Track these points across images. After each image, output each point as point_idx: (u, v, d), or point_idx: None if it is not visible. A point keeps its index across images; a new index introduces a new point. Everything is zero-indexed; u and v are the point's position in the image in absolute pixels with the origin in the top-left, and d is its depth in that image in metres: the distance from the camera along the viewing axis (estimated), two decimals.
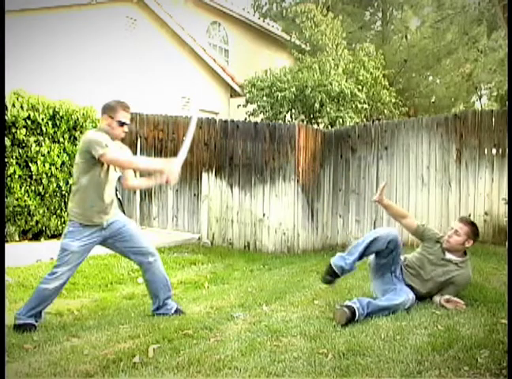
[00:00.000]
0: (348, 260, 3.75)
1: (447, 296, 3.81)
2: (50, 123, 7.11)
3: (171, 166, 3.67)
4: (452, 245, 3.95)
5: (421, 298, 3.90)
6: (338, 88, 10.91)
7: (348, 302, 3.54)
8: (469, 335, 3.11)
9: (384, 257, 3.85)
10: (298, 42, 14.30)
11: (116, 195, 3.86)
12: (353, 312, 3.44)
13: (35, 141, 6.94)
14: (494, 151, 7.35)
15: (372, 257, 3.95)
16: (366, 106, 11.63)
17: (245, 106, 11.70)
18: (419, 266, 3.96)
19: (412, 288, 3.86)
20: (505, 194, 7.05)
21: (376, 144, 8.12)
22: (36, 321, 3.60)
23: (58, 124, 7.21)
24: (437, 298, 3.88)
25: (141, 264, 3.86)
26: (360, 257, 3.78)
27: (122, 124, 3.69)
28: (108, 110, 3.71)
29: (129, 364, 2.79)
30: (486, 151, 7.41)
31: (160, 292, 3.88)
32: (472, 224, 4.03)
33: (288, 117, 11.53)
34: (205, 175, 8.22)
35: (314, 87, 10.97)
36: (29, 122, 6.88)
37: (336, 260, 3.78)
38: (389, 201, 4.31)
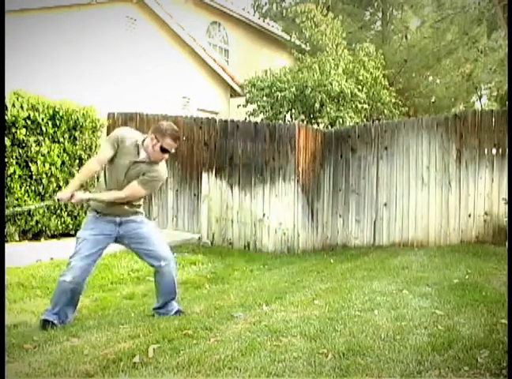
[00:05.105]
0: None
1: None
2: (50, 123, 7.10)
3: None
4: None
5: None
6: (338, 88, 10.89)
7: None
8: (469, 335, 3.11)
9: None
10: (298, 42, 14.29)
11: None
12: None
13: (35, 141, 6.93)
14: (494, 151, 7.36)
15: None
16: (366, 106, 11.62)
17: (245, 106, 11.68)
18: None
19: None
20: (505, 194, 7.06)
21: (376, 144, 8.12)
22: (60, 319, 3.61)
23: (58, 124, 7.21)
24: None
25: (152, 266, 3.91)
26: None
27: (164, 151, 3.71)
28: (158, 131, 3.70)
29: (129, 364, 2.79)
30: (486, 151, 7.42)
31: (164, 295, 3.92)
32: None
33: (288, 117, 11.51)
34: (205, 175, 8.22)
35: (314, 87, 10.96)
36: (29, 122, 6.87)
37: None
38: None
